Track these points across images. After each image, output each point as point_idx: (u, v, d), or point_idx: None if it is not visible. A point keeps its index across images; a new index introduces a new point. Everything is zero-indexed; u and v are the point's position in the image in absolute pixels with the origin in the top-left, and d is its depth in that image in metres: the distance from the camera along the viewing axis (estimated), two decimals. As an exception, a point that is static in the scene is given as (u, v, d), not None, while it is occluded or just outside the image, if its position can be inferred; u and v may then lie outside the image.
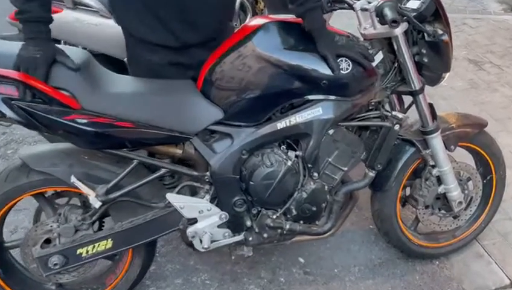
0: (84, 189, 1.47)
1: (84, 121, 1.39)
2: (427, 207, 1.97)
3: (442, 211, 2.01)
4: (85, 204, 1.63)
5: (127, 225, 1.61)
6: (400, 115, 1.70)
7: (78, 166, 1.53)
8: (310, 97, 1.57)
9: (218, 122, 1.57)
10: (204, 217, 1.63)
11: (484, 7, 4.97)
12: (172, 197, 1.57)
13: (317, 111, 1.57)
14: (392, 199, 1.93)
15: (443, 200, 1.98)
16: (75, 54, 1.46)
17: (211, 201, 1.64)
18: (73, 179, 1.47)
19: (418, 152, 1.86)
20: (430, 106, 1.78)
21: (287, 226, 1.72)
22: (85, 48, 2.45)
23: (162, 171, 1.58)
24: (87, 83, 1.41)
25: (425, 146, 1.84)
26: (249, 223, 1.71)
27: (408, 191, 2.02)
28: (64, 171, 1.51)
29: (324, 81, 1.54)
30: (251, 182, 1.62)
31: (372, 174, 1.76)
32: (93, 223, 1.63)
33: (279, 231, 1.73)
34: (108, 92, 1.45)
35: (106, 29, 2.25)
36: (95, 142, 1.45)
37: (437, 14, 1.65)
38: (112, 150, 1.51)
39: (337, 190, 1.74)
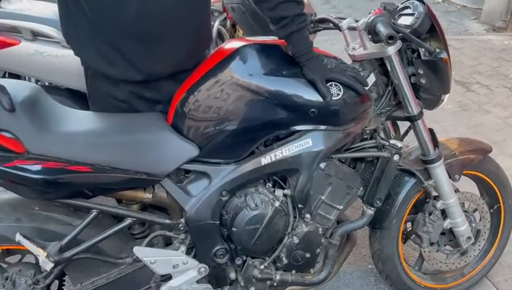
0: (32, 248, 1.23)
1: (30, 167, 1.16)
2: (431, 244, 1.76)
3: (449, 248, 1.81)
4: (40, 262, 1.38)
5: (88, 287, 1.36)
6: (399, 144, 1.50)
7: (26, 220, 1.29)
8: (298, 128, 1.37)
9: (192, 160, 1.36)
10: (180, 272, 1.40)
11: (466, 28, 4.92)
12: (140, 250, 1.33)
13: (306, 143, 1.37)
14: (393, 237, 1.72)
15: (449, 235, 1.79)
16: (22, 88, 1.25)
17: (187, 253, 1.41)
18: (18, 237, 1.23)
19: (420, 184, 1.66)
20: (431, 131, 1.60)
21: (278, 277, 1.49)
22: (49, 83, 2.25)
23: (128, 221, 1.34)
24: (33, 122, 1.19)
25: (427, 176, 1.65)
26: (233, 275, 1.48)
27: (409, 225, 1.81)
28: (9, 227, 1.27)
29: (313, 110, 1.34)
30: (233, 228, 1.39)
31: (371, 211, 1.55)
32: (48, 285, 1.38)
33: (268, 282, 1.50)
34: (60, 132, 1.23)
35: (69, 61, 2.04)
36: (44, 192, 1.22)
37: (432, 30, 1.49)
38: (67, 200, 1.28)
39: (333, 231, 1.53)
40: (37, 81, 2.34)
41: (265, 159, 1.37)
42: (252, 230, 1.40)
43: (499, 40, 4.50)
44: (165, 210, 1.44)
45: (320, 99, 1.33)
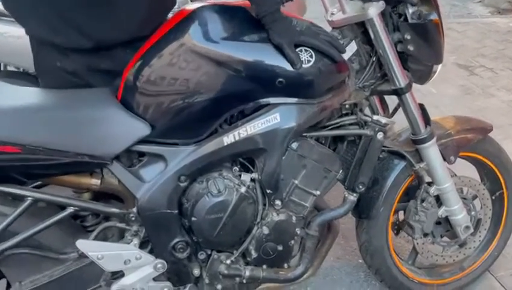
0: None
1: None
2: (426, 235, 1.58)
3: (445, 239, 1.63)
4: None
5: (28, 286, 1.20)
6: (383, 120, 1.32)
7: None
8: (264, 101, 1.19)
9: (145, 141, 1.18)
10: (133, 269, 1.23)
11: (469, 11, 4.69)
12: (83, 244, 1.16)
13: (273, 119, 1.19)
14: (381, 227, 1.54)
15: (445, 224, 1.60)
16: None
17: (142, 246, 1.24)
18: None
19: (410, 167, 1.48)
20: (421, 107, 1.42)
21: (247, 273, 1.31)
22: (17, 67, 2.09)
23: (69, 210, 1.17)
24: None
25: (419, 159, 1.47)
26: (197, 272, 1.31)
27: (401, 215, 1.62)
28: None
29: (280, 79, 1.16)
30: (193, 218, 1.22)
31: (353, 197, 1.37)
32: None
33: (237, 279, 1.32)
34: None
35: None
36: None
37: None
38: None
39: (310, 221, 1.35)
40: (5, 66, 2.19)
41: (229, 139, 1.20)
42: (214, 220, 1.22)
43: (504, 23, 4.28)
44: (118, 201, 1.27)
45: (289, 67, 1.15)
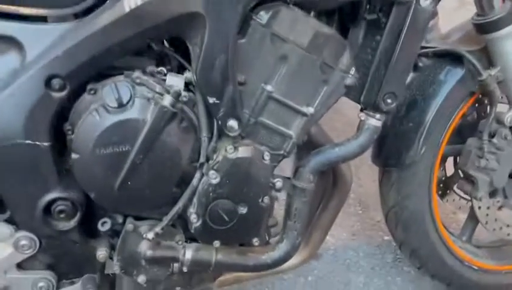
0: None
1: None
2: (493, 194, 0.98)
3: (523, 201, 1.03)
4: None
5: None
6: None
7: None
8: None
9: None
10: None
11: None
12: None
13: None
14: (422, 181, 0.96)
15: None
16: None
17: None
18: None
19: (472, 77, 0.88)
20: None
21: (188, 256, 0.75)
22: None
23: None
24: None
25: (487, 62, 0.87)
26: (102, 253, 0.74)
27: (449, 169, 1.05)
28: None
29: None
30: (75, 155, 0.66)
31: (375, 122, 0.77)
32: None
33: (173, 266, 0.76)
34: None
35: None
36: None
37: None
38: None
39: (299, 166, 0.76)
40: None
41: (130, 2, 0.62)
42: (114, 157, 0.66)
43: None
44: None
45: None
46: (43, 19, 0.67)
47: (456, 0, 2.55)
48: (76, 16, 0.67)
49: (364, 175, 1.51)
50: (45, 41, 0.65)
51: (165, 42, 0.71)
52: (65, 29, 0.65)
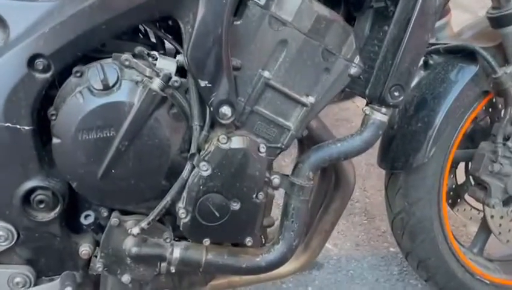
0: None
1: None
2: (507, 202, 0.92)
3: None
4: None
5: None
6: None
7: None
8: None
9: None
10: None
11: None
12: None
13: None
14: (430, 185, 0.90)
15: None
16: None
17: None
18: None
19: (486, 75, 0.83)
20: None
21: (176, 254, 0.70)
22: None
23: None
24: None
25: (502, 59, 0.82)
26: (85, 249, 0.70)
27: (459, 175, 0.99)
28: None
29: None
30: (56, 139, 0.62)
31: (380, 116, 0.71)
32: None
33: (160, 265, 0.71)
34: None
35: None
36: None
37: None
38: None
39: (299, 161, 0.71)
40: None
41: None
42: (96, 143, 0.61)
43: None
44: None
45: None
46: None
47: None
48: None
49: (371, 186, 1.46)
50: (30, 19, 0.62)
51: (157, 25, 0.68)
52: (52, 6, 0.62)
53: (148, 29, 0.71)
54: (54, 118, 0.64)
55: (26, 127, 0.63)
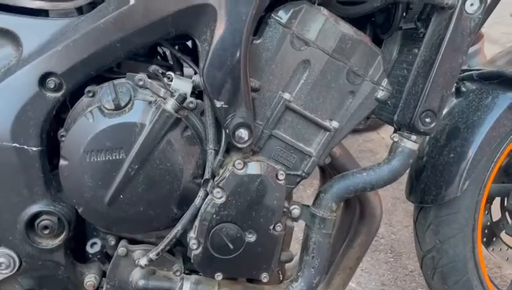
0: None
1: None
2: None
3: None
4: None
5: None
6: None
7: None
8: None
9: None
10: None
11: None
12: None
13: None
14: (464, 222, 0.83)
15: None
16: None
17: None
18: None
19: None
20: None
21: (184, 288, 0.64)
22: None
23: None
24: None
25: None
26: (90, 280, 0.65)
27: (494, 212, 0.92)
28: None
29: None
30: (64, 161, 0.58)
31: (411, 145, 0.66)
32: None
33: (168, 299, 0.66)
34: None
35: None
36: None
37: None
38: None
39: (320, 191, 0.66)
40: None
41: (136, -8, 0.56)
42: (105, 166, 0.58)
43: None
44: None
45: None
46: (45, 14, 0.62)
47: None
48: (80, 12, 0.62)
49: (397, 221, 1.38)
50: (44, 36, 0.60)
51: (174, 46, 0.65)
52: (66, 24, 0.60)
53: (165, 51, 0.69)
54: (63, 139, 0.61)
55: (34, 148, 0.60)
